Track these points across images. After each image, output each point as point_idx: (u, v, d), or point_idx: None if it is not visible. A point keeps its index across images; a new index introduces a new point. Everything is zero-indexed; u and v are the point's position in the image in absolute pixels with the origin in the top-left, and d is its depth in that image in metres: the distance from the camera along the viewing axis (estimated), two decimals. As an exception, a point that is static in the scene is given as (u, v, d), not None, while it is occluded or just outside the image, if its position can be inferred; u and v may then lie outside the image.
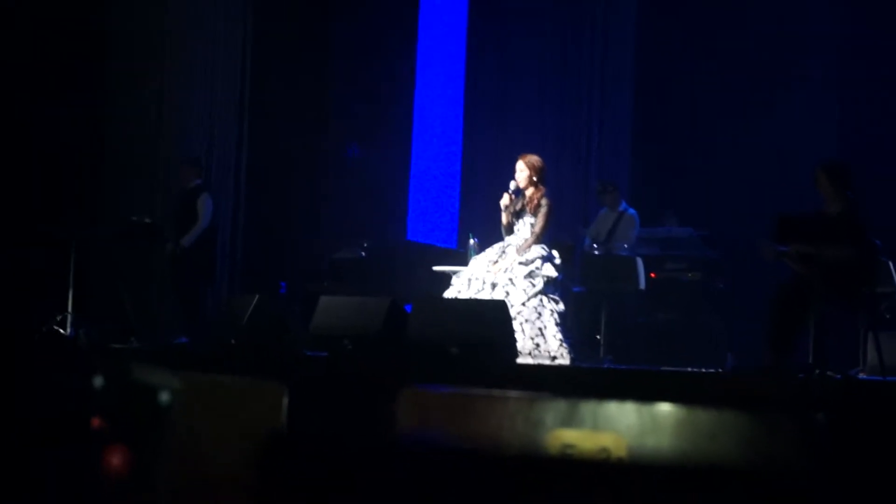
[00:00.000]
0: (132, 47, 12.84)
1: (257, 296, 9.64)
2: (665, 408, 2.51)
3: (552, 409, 2.61)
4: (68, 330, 10.21)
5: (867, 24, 13.57)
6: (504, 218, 9.48)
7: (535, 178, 9.47)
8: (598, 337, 11.03)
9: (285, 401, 2.87)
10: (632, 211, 12.13)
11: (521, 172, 9.47)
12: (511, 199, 9.45)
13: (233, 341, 9.40)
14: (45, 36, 12.11)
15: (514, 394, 2.69)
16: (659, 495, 1.93)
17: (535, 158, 9.58)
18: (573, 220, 14.25)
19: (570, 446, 2.52)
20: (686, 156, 14.09)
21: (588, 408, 2.59)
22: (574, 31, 14.77)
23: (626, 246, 11.68)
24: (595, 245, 11.91)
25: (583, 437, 2.53)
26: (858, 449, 2.08)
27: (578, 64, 14.74)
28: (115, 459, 2.37)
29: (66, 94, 12.25)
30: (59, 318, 10.29)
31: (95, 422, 2.42)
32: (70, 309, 10.32)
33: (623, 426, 2.54)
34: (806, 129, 13.64)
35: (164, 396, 2.45)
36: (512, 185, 9.47)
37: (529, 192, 9.46)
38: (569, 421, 2.58)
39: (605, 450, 2.52)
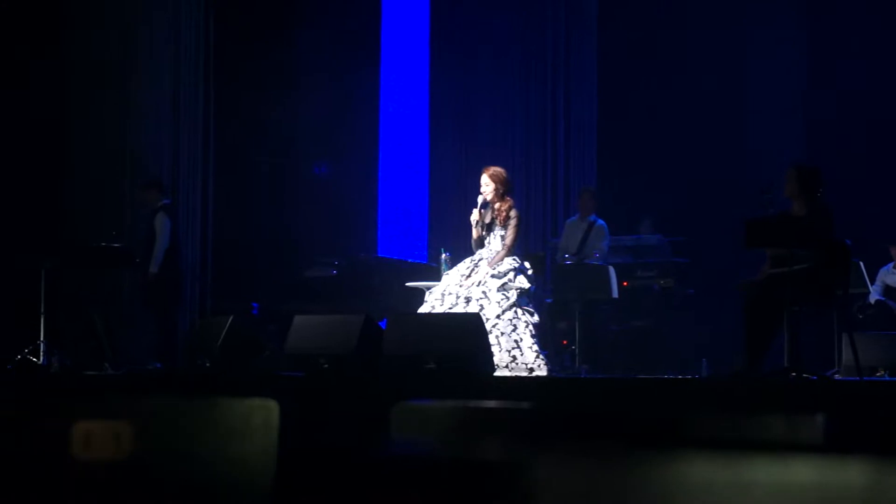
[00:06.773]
0: (93, 68, 12.75)
1: (231, 317, 9.56)
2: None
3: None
4: (41, 358, 10.12)
5: (835, 30, 13.69)
6: (475, 232, 9.43)
7: (501, 190, 9.45)
8: (573, 347, 11.03)
9: (277, 417, 2.85)
10: (601, 221, 12.16)
11: (488, 186, 9.43)
12: (480, 213, 9.42)
13: (207, 364, 9.35)
14: (3, 63, 12.09)
15: (509, 404, 2.68)
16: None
17: (499, 170, 9.55)
18: (541, 230, 14.31)
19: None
20: (653, 162, 14.14)
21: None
22: (537, 39, 14.82)
23: (597, 255, 11.72)
24: (566, 255, 11.94)
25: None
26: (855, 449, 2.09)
27: (543, 72, 14.80)
28: None
29: (27, 118, 12.20)
30: (31, 347, 10.19)
31: None
32: (42, 337, 10.23)
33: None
34: (773, 133, 13.75)
35: None
36: (480, 199, 9.43)
37: (497, 204, 9.41)
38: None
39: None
